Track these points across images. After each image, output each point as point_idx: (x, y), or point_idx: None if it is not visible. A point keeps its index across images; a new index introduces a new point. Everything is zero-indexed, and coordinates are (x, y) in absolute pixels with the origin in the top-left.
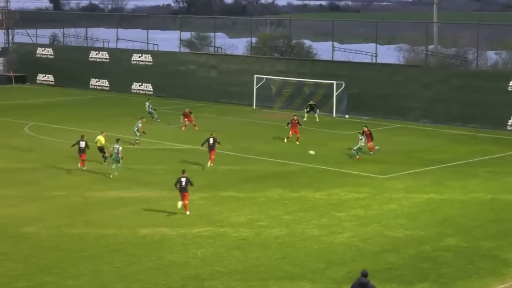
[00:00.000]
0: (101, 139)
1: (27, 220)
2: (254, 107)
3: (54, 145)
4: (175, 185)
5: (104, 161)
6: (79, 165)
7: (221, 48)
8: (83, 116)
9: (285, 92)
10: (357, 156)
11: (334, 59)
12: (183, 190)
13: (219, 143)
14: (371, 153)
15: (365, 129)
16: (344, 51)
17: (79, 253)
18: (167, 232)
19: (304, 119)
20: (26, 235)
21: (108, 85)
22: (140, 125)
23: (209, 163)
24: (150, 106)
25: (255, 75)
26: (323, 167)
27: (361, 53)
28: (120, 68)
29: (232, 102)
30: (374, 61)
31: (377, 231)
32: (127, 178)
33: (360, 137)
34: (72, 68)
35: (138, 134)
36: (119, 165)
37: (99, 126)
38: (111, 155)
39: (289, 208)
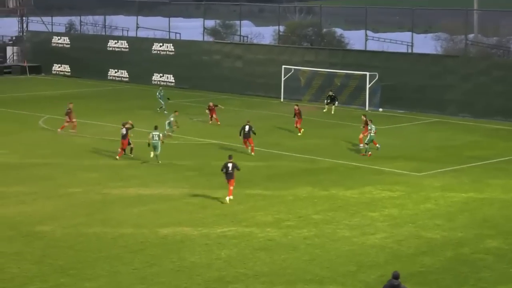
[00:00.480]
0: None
1: (42, 218)
2: (281, 100)
3: (70, 139)
4: (222, 170)
5: (130, 153)
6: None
7: (247, 37)
8: (100, 109)
9: (315, 84)
10: (369, 152)
11: (367, 49)
12: (229, 176)
13: (254, 133)
14: (361, 145)
15: (364, 117)
16: (378, 40)
17: (96, 253)
18: (189, 232)
19: (324, 110)
20: (41, 234)
21: (127, 76)
22: (172, 118)
23: (249, 151)
24: (162, 94)
25: (283, 66)
26: (354, 163)
27: (396, 43)
28: (140, 58)
29: (258, 94)
30: (409, 51)
31: (412, 232)
32: (146, 175)
33: (369, 127)
34: (89, 58)
35: (170, 127)
36: (157, 152)
37: (117, 119)
38: (148, 144)
39: (319, 207)
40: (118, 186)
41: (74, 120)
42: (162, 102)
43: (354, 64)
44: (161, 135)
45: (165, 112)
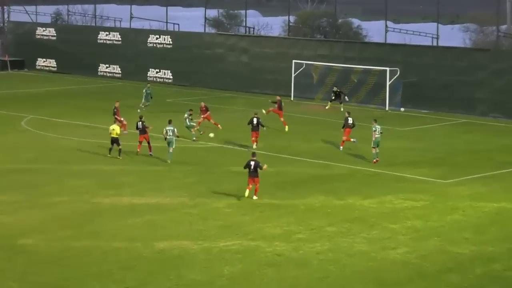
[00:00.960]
0: (116, 128)
1: (24, 230)
2: (291, 99)
3: (56, 143)
4: (245, 168)
5: (119, 155)
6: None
7: (254, 28)
8: (90, 109)
9: (329, 80)
10: (377, 158)
11: (387, 42)
12: (253, 175)
13: (263, 126)
14: (341, 148)
15: (346, 114)
16: (399, 32)
17: (84, 270)
18: (188, 246)
19: (327, 107)
20: (23, 248)
21: (119, 72)
22: (187, 117)
23: (254, 146)
24: (148, 91)
25: (294, 61)
26: (372, 169)
27: (419, 35)
28: (134, 52)
29: (265, 92)
30: (435, 43)
31: (438, 246)
32: (141, 182)
33: (374, 128)
34: (77, 52)
35: (193, 124)
36: (172, 149)
37: (108, 120)
38: (165, 138)
39: (333, 218)
40: (110, 195)
41: (122, 119)
42: (144, 100)
43: (372, 58)
44: (175, 130)
45: (143, 108)
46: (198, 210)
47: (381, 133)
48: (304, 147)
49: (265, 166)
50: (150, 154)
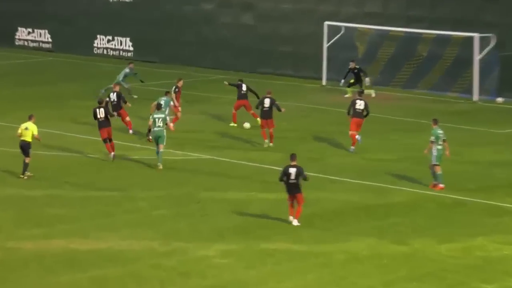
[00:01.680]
0: (31, 128)
1: None
2: (323, 83)
3: None
4: (281, 179)
5: (22, 174)
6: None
7: None
8: (2, 98)
9: (383, 54)
10: (441, 184)
11: None
12: (293, 189)
13: (279, 110)
14: (352, 148)
15: (356, 95)
16: None
17: None
18: None
19: (346, 96)
20: None
21: (49, 40)
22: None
23: (266, 142)
24: (132, 72)
25: (326, 22)
26: (453, 195)
27: None
28: (72, 11)
29: (281, 72)
30: None
31: None
32: (84, 214)
33: (435, 133)
34: None
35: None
36: (162, 148)
37: (31, 116)
38: (149, 131)
39: (391, 275)
40: (34, 236)
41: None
42: (126, 86)
43: (450, 19)
44: (168, 118)
45: (135, 96)
46: (174, 261)
47: (444, 140)
48: (343, 160)
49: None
50: (113, 155)
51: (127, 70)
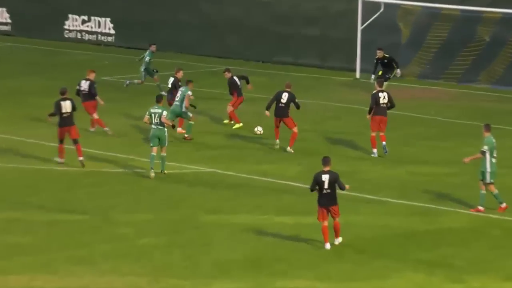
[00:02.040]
0: None
1: None
2: (357, 76)
3: None
4: (312, 188)
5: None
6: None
7: None
8: None
9: (433, 38)
10: (503, 204)
11: None
12: (328, 201)
13: (298, 108)
14: (374, 152)
15: (377, 86)
16: None
17: None
18: None
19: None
20: None
21: (8, 21)
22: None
23: (277, 142)
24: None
25: (360, 0)
26: None
27: None
28: None
29: (304, 62)
30: None
31: None
32: (52, 244)
33: (487, 142)
34: None
35: (189, 115)
36: (163, 150)
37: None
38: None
39: None
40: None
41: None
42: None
43: None
44: (164, 113)
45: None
46: None
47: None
48: (382, 174)
49: (347, 186)
50: (81, 159)
51: (147, 55)
